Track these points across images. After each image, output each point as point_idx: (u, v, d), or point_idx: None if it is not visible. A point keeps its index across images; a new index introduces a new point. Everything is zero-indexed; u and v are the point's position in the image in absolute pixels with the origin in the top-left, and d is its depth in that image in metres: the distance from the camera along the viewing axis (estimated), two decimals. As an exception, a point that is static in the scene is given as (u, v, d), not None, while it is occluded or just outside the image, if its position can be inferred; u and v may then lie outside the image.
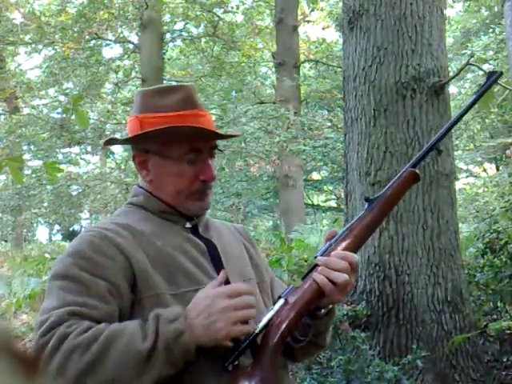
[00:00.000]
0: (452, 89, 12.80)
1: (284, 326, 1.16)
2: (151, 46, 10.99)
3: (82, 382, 1.02)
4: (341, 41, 4.67)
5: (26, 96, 12.89)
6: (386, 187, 1.29)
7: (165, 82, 11.19)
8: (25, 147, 12.97)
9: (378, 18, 3.84)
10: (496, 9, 13.28)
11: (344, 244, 1.23)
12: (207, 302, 1.09)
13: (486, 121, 12.64)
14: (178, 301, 1.15)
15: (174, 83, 9.15)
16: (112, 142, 1.49)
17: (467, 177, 15.82)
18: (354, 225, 1.26)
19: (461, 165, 14.14)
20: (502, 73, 1.35)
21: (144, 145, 1.30)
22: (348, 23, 4.02)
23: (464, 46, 12.19)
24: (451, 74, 4.41)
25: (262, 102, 11.35)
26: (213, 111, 11.92)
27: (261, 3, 13.11)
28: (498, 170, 13.56)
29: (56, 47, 12.08)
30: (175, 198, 1.29)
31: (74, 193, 12.07)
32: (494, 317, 4.05)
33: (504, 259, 3.97)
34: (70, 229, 21.38)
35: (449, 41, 13.22)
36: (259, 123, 9.92)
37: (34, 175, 11.09)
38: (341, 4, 4.50)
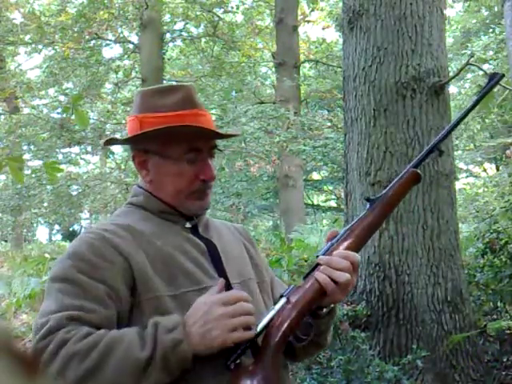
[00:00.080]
0: (452, 89, 12.80)
1: (286, 325, 1.16)
2: (151, 46, 10.98)
3: None
4: (341, 41, 4.66)
5: (26, 96, 12.89)
6: (388, 187, 1.29)
7: (165, 81, 11.17)
8: (25, 147, 12.95)
9: (378, 18, 3.84)
10: (496, 9, 13.28)
11: (345, 244, 1.23)
12: (204, 309, 1.09)
13: (486, 121, 12.65)
14: (177, 302, 1.15)
15: (173, 83, 9.14)
16: (112, 142, 1.49)
17: (467, 177, 15.83)
18: (355, 225, 1.26)
19: (461, 165, 14.15)
20: (503, 75, 1.33)
21: (144, 145, 1.29)
22: (348, 23, 4.02)
23: (464, 46, 12.20)
24: (451, 74, 4.41)
25: (262, 102, 11.35)
26: (213, 111, 11.92)
27: (261, 3, 13.11)
28: (497, 169, 13.56)
29: (56, 47, 12.08)
30: (175, 197, 1.29)
31: (74, 193, 12.07)
32: (494, 317, 4.05)
33: (504, 259, 3.97)
34: (70, 229, 21.39)
35: (449, 41, 13.22)
36: (259, 123, 9.92)
37: (33, 175, 11.07)
38: (341, 4, 4.50)
